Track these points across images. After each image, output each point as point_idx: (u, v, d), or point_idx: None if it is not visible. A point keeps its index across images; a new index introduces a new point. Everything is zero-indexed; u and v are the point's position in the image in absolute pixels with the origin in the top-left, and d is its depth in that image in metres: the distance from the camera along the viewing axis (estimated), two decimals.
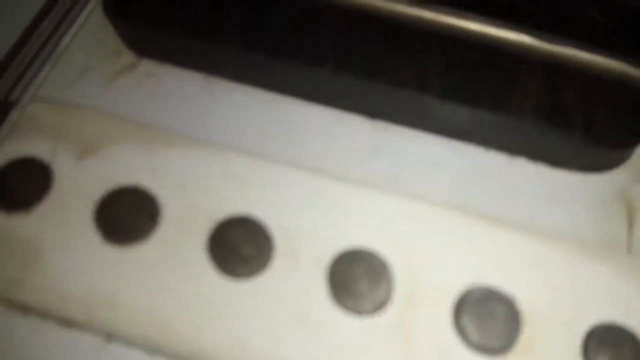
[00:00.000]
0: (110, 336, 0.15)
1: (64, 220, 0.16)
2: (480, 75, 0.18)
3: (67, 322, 0.15)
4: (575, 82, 0.18)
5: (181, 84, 0.19)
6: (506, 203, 0.17)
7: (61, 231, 0.15)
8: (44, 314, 0.15)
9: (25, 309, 0.15)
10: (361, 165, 0.18)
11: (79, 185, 0.16)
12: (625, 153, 0.18)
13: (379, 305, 0.14)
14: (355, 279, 0.15)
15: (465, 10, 0.18)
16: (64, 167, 0.16)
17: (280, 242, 0.15)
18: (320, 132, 0.18)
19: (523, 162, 0.18)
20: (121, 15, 0.19)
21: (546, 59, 0.18)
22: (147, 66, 0.20)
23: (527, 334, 0.14)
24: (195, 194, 0.16)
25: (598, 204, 0.17)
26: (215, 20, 0.19)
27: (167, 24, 0.19)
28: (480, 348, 0.14)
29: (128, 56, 0.20)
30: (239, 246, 0.15)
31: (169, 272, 0.15)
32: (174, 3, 0.19)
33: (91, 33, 0.20)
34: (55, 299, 0.15)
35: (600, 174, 0.18)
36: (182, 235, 0.15)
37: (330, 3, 0.18)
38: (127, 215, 0.16)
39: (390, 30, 0.18)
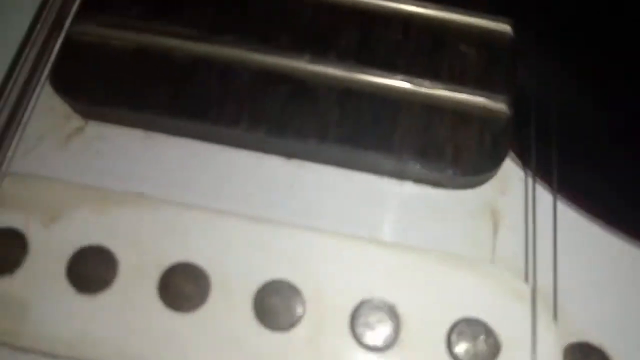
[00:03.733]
0: None
1: (42, 279, 0.20)
2: (369, 121, 0.22)
3: (55, 356, 0.20)
4: (446, 119, 0.22)
5: (124, 141, 0.24)
6: (395, 224, 0.22)
7: (41, 288, 0.20)
8: (38, 352, 0.20)
9: (24, 350, 0.20)
10: (279, 202, 0.23)
11: (50, 248, 0.21)
12: (489, 174, 0.23)
13: (294, 323, 0.20)
14: (274, 304, 0.20)
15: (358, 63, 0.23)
16: (36, 234, 0.21)
17: (215, 280, 0.20)
18: (244, 175, 0.23)
19: (410, 185, 0.23)
20: (67, 89, 0.23)
21: (422, 101, 0.23)
22: (94, 128, 0.24)
23: (405, 332, 0.20)
24: (144, 246, 0.21)
25: (470, 217, 0.22)
26: (146, 90, 0.23)
27: (107, 96, 0.23)
28: (371, 349, 0.20)
29: (76, 120, 0.24)
30: (182, 286, 0.20)
31: (129, 311, 0.20)
32: (114, 77, 0.23)
33: (41, 102, 0.24)
34: (44, 342, 0.20)
35: (472, 190, 0.23)
36: (136, 282, 0.20)
37: (240, 67, 0.23)
38: (91, 270, 0.20)
39: (293, 86, 0.23)
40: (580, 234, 0.22)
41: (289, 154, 0.23)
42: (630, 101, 0.25)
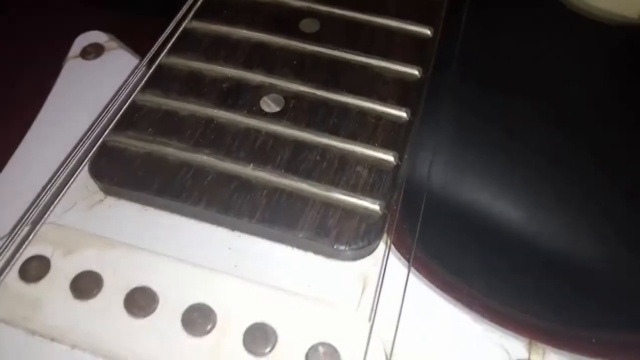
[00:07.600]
0: (74, 346, 0.30)
1: (56, 288, 0.32)
2: (284, 209, 0.34)
3: (53, 339, 0.31)
4: (336, 213, 0.34)
5: (128, 211, 0.36)
6: (298, 280, 0.33)
7: (54, 293, 0.31)
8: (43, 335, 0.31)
9: (33, 333, 0.31)
10: (221, 258, 0.34)
11: (64, 269, 0.32)
12: (365, 251, 0.33)
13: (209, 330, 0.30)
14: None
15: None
16: (57, 260, 0.33)
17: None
18: (201, 239, 0.34)
19: (311, 255, 0.34)
20: (97, 174, 0.36)
21: (322, 199, 0.34)
22: (110, 200, 0.37)
23: (279, 345, 0.30)
24: (121, 272, 0.32)
25: (350, 280, 0.33)
26: (147, 179, 0.35)
27: (121, 181, 0.36)
28: (252, 352, 0.30)
29: (99, 194, 0.37)
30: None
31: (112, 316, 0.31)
32: (128, 170, 0.36)
33: (79, 181, 0.37)
34: (45, 328, 0.31)
35: (353, 262, 0.33)
36: (109, 295, 0.31)
37: (209, 169, 0.35)
38: (86, 284, 0.32)
39: (239, 183, 0.35)
40: (422, 299, 0.32)
41: (232, 227, 0.35)
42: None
